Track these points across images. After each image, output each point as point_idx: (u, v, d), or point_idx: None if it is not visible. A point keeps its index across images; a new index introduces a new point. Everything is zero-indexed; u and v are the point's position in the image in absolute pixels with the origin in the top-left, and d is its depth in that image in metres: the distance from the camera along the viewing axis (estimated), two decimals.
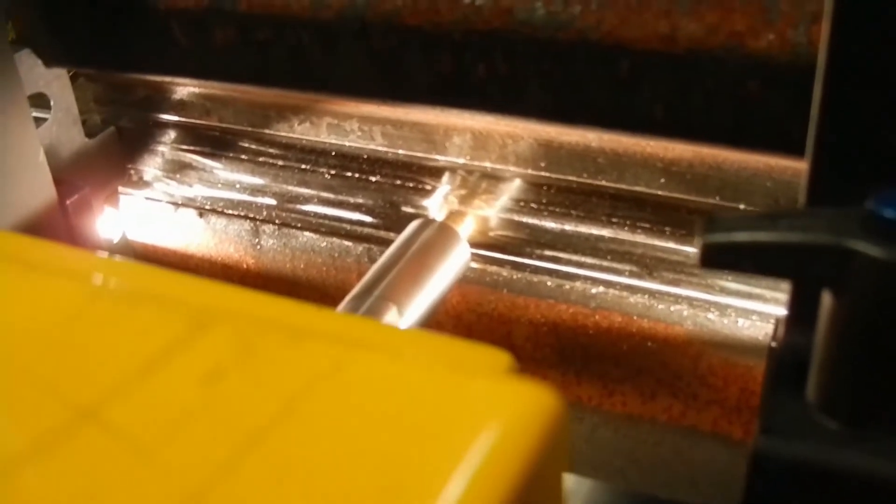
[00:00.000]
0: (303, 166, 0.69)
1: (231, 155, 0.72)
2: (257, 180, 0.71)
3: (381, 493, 0.20)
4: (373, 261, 0.64)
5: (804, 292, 0.34)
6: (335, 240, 0.68)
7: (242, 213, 0.71)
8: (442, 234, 0.60)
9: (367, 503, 0.20)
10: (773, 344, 0.38)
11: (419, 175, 0.65)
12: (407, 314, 0.56)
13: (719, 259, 0.30)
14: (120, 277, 0.28)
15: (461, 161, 0.63)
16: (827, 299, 0.30)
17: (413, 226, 0.61)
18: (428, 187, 0.65)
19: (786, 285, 0.55)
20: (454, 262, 0.60)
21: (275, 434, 0.22)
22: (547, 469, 0.22)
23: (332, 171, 0.68)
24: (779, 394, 0.33)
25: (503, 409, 0.22)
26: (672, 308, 0.59)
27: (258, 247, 0.71)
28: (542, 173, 0.61)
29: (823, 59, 0.31)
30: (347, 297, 0.56)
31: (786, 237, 0.29)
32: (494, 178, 0.63)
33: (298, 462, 0.21)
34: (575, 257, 0.61)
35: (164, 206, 0.74)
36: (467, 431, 0.21)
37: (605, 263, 0.60)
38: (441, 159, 0.64)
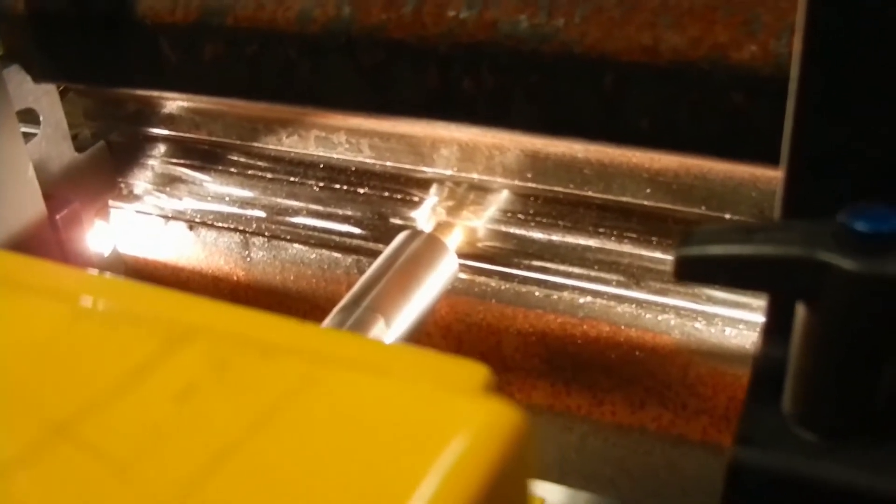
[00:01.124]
0: (291, 179, 0.69)
1: (220, 168, 0.72)
2: (247, 193, 0.71)
3: None
4: (362, 272, 0.64)
5: (780, 304, 0.34)
6: (324, 252, 0.68)
7: (232, 226, 0.71)
8: (430, 246, 0.61)
9: None
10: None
11: (407, 187, 0.66)
12: (395, 325, 0.56)
13: (694, 272, 0.30)
14: (98, 294, 0.28)
15: (448, 173, 0.63)
16: (801, 311, 0.30)
17: (401, 237, 0.61)
18: (416, 199, 0.65)
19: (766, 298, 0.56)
20: (442, 273, 0.60)
21: (247, 449, 0.22)
22: (510, 483, 0.22)
23: (321, 184, 0.68)
24: (756, 405, 0.33)
25: (468, 425, 0.22)
26: (659, 317, 0.59)
27: (248, 259, 0.71)
28: (529, 184, 0.61)
29: (796, 73, 0.31)
30: (335, 309, 0.56)
31: (760, 250, 0.29)
32: (482, 190, 0.63)
33: (269, 477, 0.22)
34: (562, 267, 0.61)
35: (154, 220, 0.74)
36: (433, 446, 0.22)
37: (593, 273, 0.61)
38: (428, 171, 0.64)
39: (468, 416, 0.22)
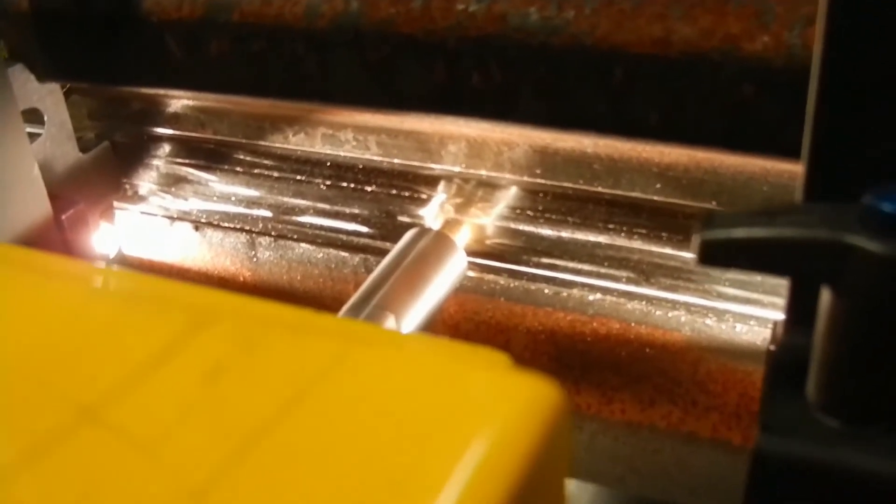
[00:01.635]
0: (298, 177, 0.69)
1: (226, 167, 0.72)
2: (253, 192, 0.71)
3: (382, 489, 0.20)
4: (370, 271, 0.64)
5: (802, 290, 0.34)
6: (331, 251, 0.68)
7: (238, 226, 0.71)
8: (438, 243, 0.60)
9: (369, 499, 0.20)
10: (772, 347, 0.38)
11: (415, 184, 0.65)
12: (404, 323, 0.56)
13: (717, 256, 0.30)
14: (118, 283, 0.27)
15: (457, 169, 0.63)
16: (825, 296, 0.30)
17: (409, 235, 0.61)
18: (424, 196, 0.65)
19: (783, 290, 0.56)
20: (451, 271, 0.60)
21: (276, 430, 0.21)
22: (550, 462, 0.22)
23: (328, 182, 0.68)
24: (778, 393, 0.33)
25: (505, 403, 0.22)
26: (670, 314, 0.59)
27: (254, 259, 0.71)
28: (538, 180, 0.61)
29: (819, 54, 0.30)
30: (345, 308, 0.56)
31: (783, 233, 0.28)
32: (490, 186, 0.63)
33: (299, 458, 0.21)
34: (572, 264, 0.61)
35: (159, 221, 0.74)
36: (470, 425, 0.21)
37: (603, 270, 0.60)
38: (436, 168, 0.64)
39: (504, 393, 0.22)
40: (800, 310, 0.34)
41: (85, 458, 0.21)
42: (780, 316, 0.54)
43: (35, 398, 0.23)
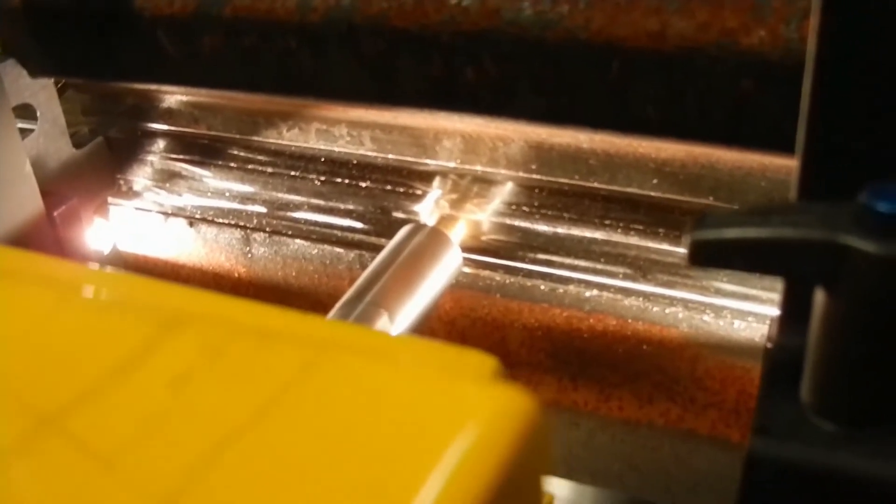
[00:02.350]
0: (292, 173, 0.68)
1: (220, 163, 0.71)
2: (247, 188, 0.70)
3: (355, 497, 0.20)
4: (364, 267, 0.63)
5: (797, 290, 0.33)
6: (326, 247, 0.67)
7: (233, 222, 0.70)
8: (433, 239, 0.60)
9: None
10: (769, 345, 0.37)
11: (410, 180, 0.65)
12: (399, 320, 0.55)
13: (709, 257, 0.29)
14: (89, 284, 0.27)
15: (452, 165, 0.63)
16: (819, 297, 0.29)
17: (404, 231, 0.60)
18: (419, 192, 0.64)
19: (781, 285, 0.55)
20: (446, 267, 0.59)
21: (246, 440, 0.21)
22: (524, 472, 0.21)
23: (322, 178, 0.67)
24: (773, 395, 0.32)
25: (480, 413, 0.21)
26: (667, 310, 0.58)
27: (249, 255, 0.70)
28: (534, 176, 0.60)
29: (813, 51, 0.30)
30: (338, 304, 0.56)
31: (777, 233, 0.28)
32: (485, 182, 0.62)
33: (270, 468, 0.20)
34: (568, 260, 0.61)
35: (154, 216, 0.74)
36: (444, 434, 0.21)
37: (599, 266, 0.60)
38: (431, 163, 0.63)
39: (480, 404, 0.21)
40: (794, 310, 0.33)
41: (43, 470, 0.21)
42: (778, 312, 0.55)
43: None
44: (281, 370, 0.22)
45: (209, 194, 0.72)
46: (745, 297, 0.57)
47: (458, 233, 0.62)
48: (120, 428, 0.21)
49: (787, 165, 0.53)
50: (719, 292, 0.57)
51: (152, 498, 0.20)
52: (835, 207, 0.28)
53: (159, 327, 0.24)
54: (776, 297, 0.55)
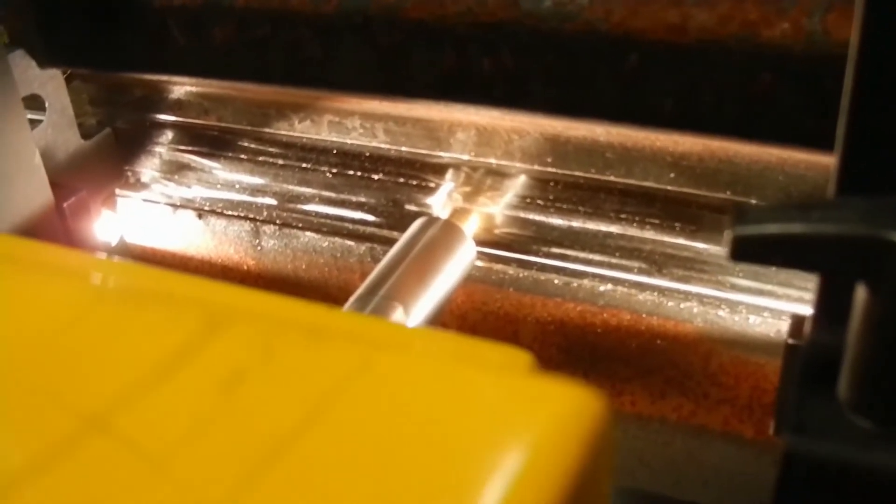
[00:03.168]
0: (303, 165, 0.68)
1: (230, 155, 0.71)
2: (257, 180, 0.70)
3: (423, 498, 0.19)
4: (376, 261, 0.63)
5: (832, 287, 0.33)
6: (337, 240, 0.67)
7: (242, 214, 0.70)
8: (447, 233, 0.59)
9: None
10: (790, 341, 0.37)
11: (423, 172, 0.64)
12: (413, 314, 0.55)
13: (750, 252, 0.29)
14: (126, 278, 0.26)
15: (465, 157, 0.62)
16: (861, 293, 0.29)
17: (417, 224, 0.60)
18: (432, 185, 0.64)
19: (798, 281, 0.55)
20: (460, 261, 0.59)
21: (301, 440, 0.20)
22: (593, 475, 0.21)
23: (334, 170, 0.67)
24: (807, 392, 0.32)
25: (543, 411, 0.21)
26: (682, 305, 0.58)
27: (259, 248, 0.70)
28: (549, 169, 0.60)
29: (855, 46, 0.29)
30: (352, 298, 0.55)
31: (819, 229, 0.27)
32: (500, 175, 0.62)
33: (325, 470, 0.20)
34: (582, 254, 0.60)
35: (162, 208, 0.73)
36: (506, 433, 0.20)
37: (614, 261, 0.60)
38: (445, 156, 0.63)
39: (542, 401, 0.21)
40: (829, 306, 0.33)
41: (92, 471, 0.20)
42: (796, 308, 0.54)
43: (40, 404, 0.21)
44: (332, 369, 0.22)
45: (218, 186, 0.71)
46: (761, 293, 0.56)
47: (471, 226, 0.62)
48: (171, 429, 0.21)
49: (805, 160, 0.53)
50: (735, 287, 0.57)
51: (204, 501, 0.19)
52: (877, 203, 0.28)
53: (206, 324, 0.23)
54: (792, 293, 0.55)
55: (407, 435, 0.20)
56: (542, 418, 0.20)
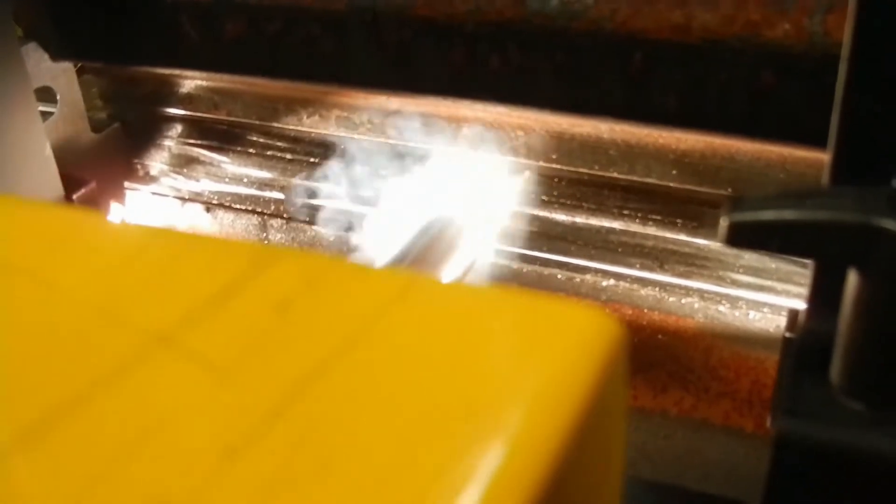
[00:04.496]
0: (312, 160, 0.69)
1: (239, 149, 0.72)
2: (265, 174, 0.70)
3: (447, 415, 0.21)
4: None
5: (826, 274, 0.33)
6: (343, 234, 0.67)
7: (250, 208, 0.71)
8: (452, 228, 0.60)
9: (434, 422, 0.20)
10: (787, 335, 0.38)
11: (429, 168, 0.65)
12: None
13: (745, 238, 0.29)
14: (175, 233, 0.28)
15: (472, 153, 0.63)
16: (852, 278, 0.30)
17: (420, 222, 0.61)
18: (437, 180, 0.65)
19: (797, 277, 0.55)
20: (464, 256, 0.60)
21: (348, 358, 0.22)
22: (612, 396, 0.22)
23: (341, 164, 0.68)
24: (801, 377, 0.33)
25: (564, 331, 0.22)
26: (683, 300, 0.58)
27: (266, 241, 0.70)
28: (553, 165, 0.61)
29: (849, 38, 0.30)
30: None
31: (812, 215, 0.28)
32: (504, 170, 0.62)
33: (367, 382, 0.22)
34: (585, 250, 0.61)
35: (171, 201, 0.74)
36: (530, 360, 0.22)
37: (616, 256, 0.60)
38: (451, 151, 0.64)
39: (566, 322, 0.22)
40: (823, 293, 0.34)
41: (161, 380, 0.22)
42: (794, 304, 0.55)
43: (107, 327, 0.23)
44: (374, 297, 0.24)
45: (227, 180, 0.72)
46: (761, 289, 0.57)
47: (476, 222, 0.62)
48: (231, 345, 0.23)
49: (806, 157, 0.53)
50: (735, 283, 0.58)
51: (265, 408, 0.21)
52: (868, 191, 0.29)
53: (254, 261, 0.25)
54: (792, 289, 0.56)
55: (437, 354, 0.22)
56: (563, 337, 0.22)
